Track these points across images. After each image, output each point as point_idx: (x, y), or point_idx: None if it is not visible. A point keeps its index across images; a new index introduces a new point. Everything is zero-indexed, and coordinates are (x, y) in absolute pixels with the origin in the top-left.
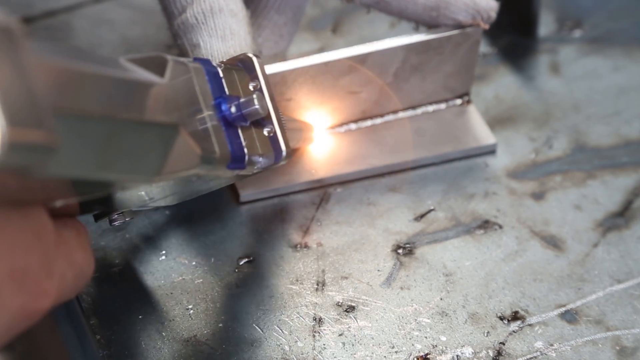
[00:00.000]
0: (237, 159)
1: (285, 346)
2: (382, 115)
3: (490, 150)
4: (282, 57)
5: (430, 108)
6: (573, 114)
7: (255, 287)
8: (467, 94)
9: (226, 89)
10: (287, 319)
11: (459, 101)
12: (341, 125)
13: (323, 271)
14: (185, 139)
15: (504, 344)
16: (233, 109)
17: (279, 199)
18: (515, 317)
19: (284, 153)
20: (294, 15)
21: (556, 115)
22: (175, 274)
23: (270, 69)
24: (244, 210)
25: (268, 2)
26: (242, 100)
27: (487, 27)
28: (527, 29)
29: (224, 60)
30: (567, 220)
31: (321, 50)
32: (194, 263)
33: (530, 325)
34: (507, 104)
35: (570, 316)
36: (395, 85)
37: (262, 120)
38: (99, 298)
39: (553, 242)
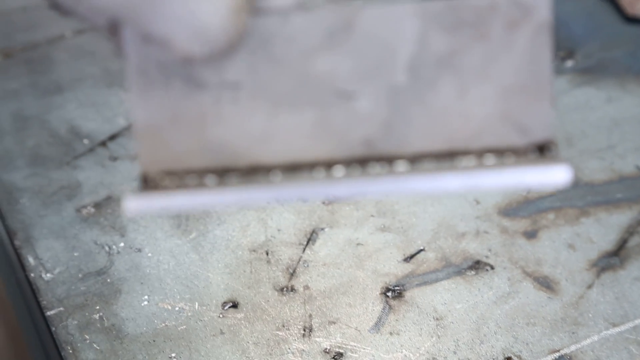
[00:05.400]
0: None
1: None
2: (399, 157)
3: None
4: None
5: (490, 159)
6: (566, 147)
7: (241, 333)
8: (551, 141)
9: None
10: None
11: (535, 152)
12: (314, 165)
13: (310, 316)
14: None
15: None
16: None
17: (265, 239)
18: None
19: None
20: None
21: None
22: (158, 320)
23: None
24: (229, 252)
25: None
26: None
27: None
28: None
29: None
30: (561, 260)
31: None
32: (177, 308)
33: None
34: None
35: None
36: (416, 93)
37: None
38: (79, 346)
39: (546, 284)
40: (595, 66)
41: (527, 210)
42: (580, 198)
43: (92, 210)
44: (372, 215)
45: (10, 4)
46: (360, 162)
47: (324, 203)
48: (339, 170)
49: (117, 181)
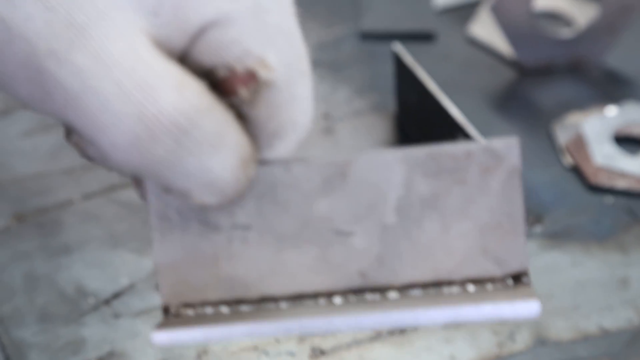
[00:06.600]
0: None
1: None
2: (390, 288)
3: None
4: None
5: (470, 287)
6: None
7: None
8: (525, 272)
9: None
10: None
11: (510, 281)
12: (316, 296)
13: None
14: None
15: None
16: None
17: None
18: None
19: None
20: None
21: None
22: None
23: None
24: None
25: None
26: None
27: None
28: None
29: None
30: None
31: None
32: None
33: None
34: None
35: None
36: (404, 231)
37: None
38: None
39: None
40: (562, 231)
41: None
42: (548, 356)
43: None
44: None
45: (24, 171)
46: (356, 293)
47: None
48: (338, 300)
49: (120, 337)
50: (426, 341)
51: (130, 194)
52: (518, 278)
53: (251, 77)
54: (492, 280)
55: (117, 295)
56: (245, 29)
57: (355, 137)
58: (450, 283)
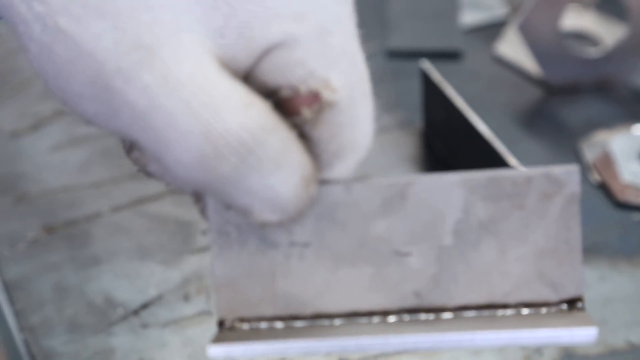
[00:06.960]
0: None
1: None
2: (445, 310)
3: None
4: None
5: (525, 311)
6: None
7: None
8: (579, 298)
9: None
10: None
11: (565, 306)
12: (370, 315)
13: None
14: None
15: None
16: None
17: None
18: None
19: None
20: None
21: None
22: None
23: None
24: None
25: None
26: None
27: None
28: None
29: None
30: None
31: None
32: None
33: None
34: None
35: None
36: (461, 253)
37: None
38: None
39: None
40: (590, 247)
41: None
42: None
43: None
44: None
45: (54, 184)
46: (410, 312)
47: None
48: (392, 319)
49: (148, 347)
50: (453, 353)
51: (158, 207)
52: (572, 303)
53: (315, 98)
54: (547, 304)
55: (145, 306)
56: (310, 51)
57: (382, 153)
58: (504, 306)
